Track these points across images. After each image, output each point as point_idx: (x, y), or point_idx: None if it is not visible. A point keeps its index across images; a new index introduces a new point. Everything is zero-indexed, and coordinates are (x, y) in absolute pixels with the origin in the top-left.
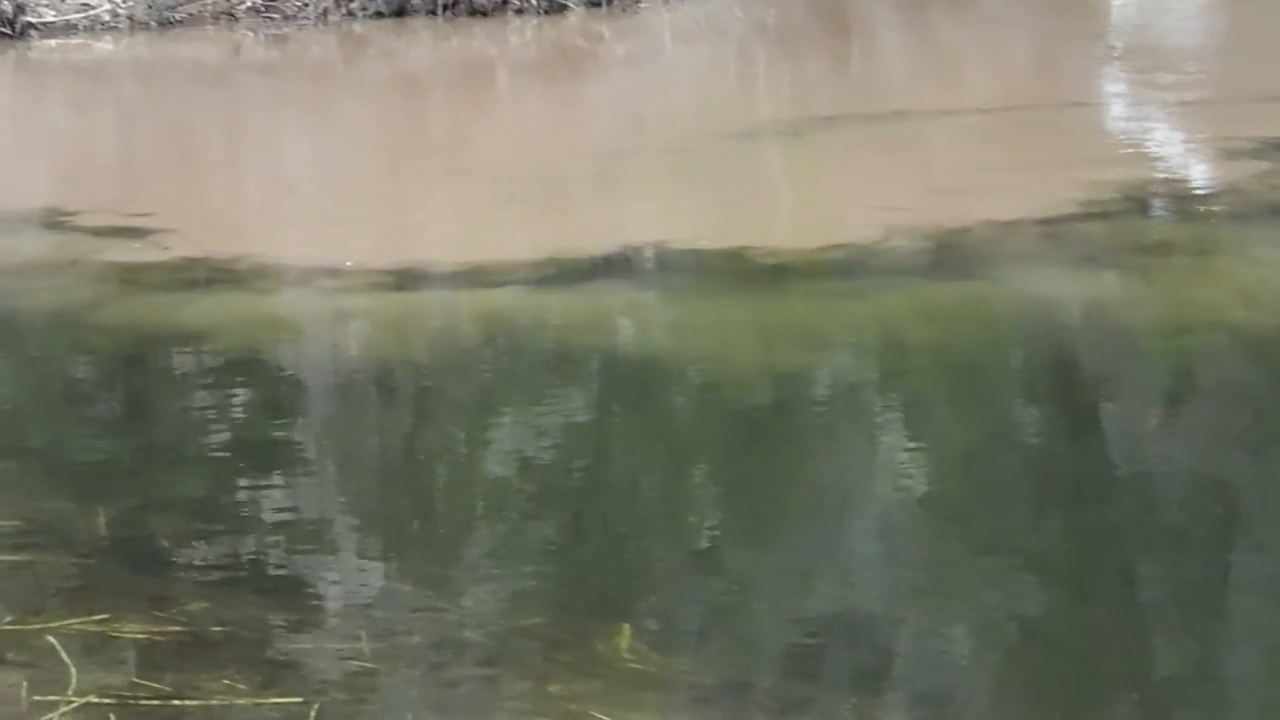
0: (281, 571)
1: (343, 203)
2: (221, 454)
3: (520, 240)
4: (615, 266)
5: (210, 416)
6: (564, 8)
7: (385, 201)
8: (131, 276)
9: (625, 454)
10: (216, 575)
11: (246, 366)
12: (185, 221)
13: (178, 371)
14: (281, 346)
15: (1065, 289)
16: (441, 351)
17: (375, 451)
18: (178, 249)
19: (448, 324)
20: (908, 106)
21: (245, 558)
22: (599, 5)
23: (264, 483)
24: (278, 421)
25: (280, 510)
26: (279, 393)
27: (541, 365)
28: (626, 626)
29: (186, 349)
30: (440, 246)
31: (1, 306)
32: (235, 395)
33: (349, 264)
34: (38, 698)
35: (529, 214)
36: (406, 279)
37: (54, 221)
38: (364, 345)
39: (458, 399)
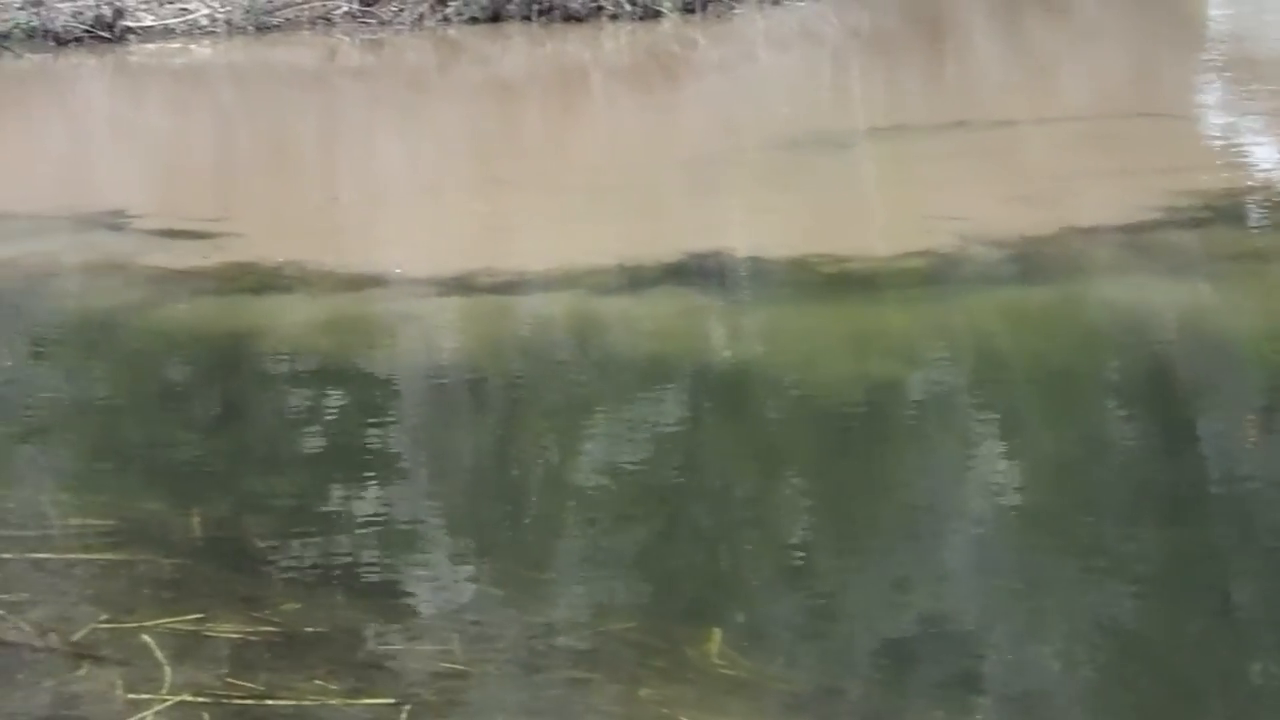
0: (374, 573)
1: (435, 208)
2: (316, 457)
3: (612, 245)
4: (707, 272)
5: (304, 420)
6: (658, 14)
7: (477, 207)
8: (225, 279)
9: (718, 460)
10: (309, 576)
11: (340, 371)
12: (276, 225)
13: (272, 375)
14: (376, 351)
15: (1159, 296)
16: (534, 356)
17: (469, 456)
18: (268, 252)
19: (540, 329)
20: (1001, 114)
21: (338, 560)
22: (693, 11)
23: (358, 486)
24: (372, 425)
25: (374, 513)
26: (373, 397)
27: (634, 371)
28: (717, 632)
29: (280, 353)
30: (532, 251)
31: (97, 307)
32: (329, 399)
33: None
34: (132, 695)
35: (621, 219)
36: (498, 284)
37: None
38: (457, 350)
39: (551, 404)
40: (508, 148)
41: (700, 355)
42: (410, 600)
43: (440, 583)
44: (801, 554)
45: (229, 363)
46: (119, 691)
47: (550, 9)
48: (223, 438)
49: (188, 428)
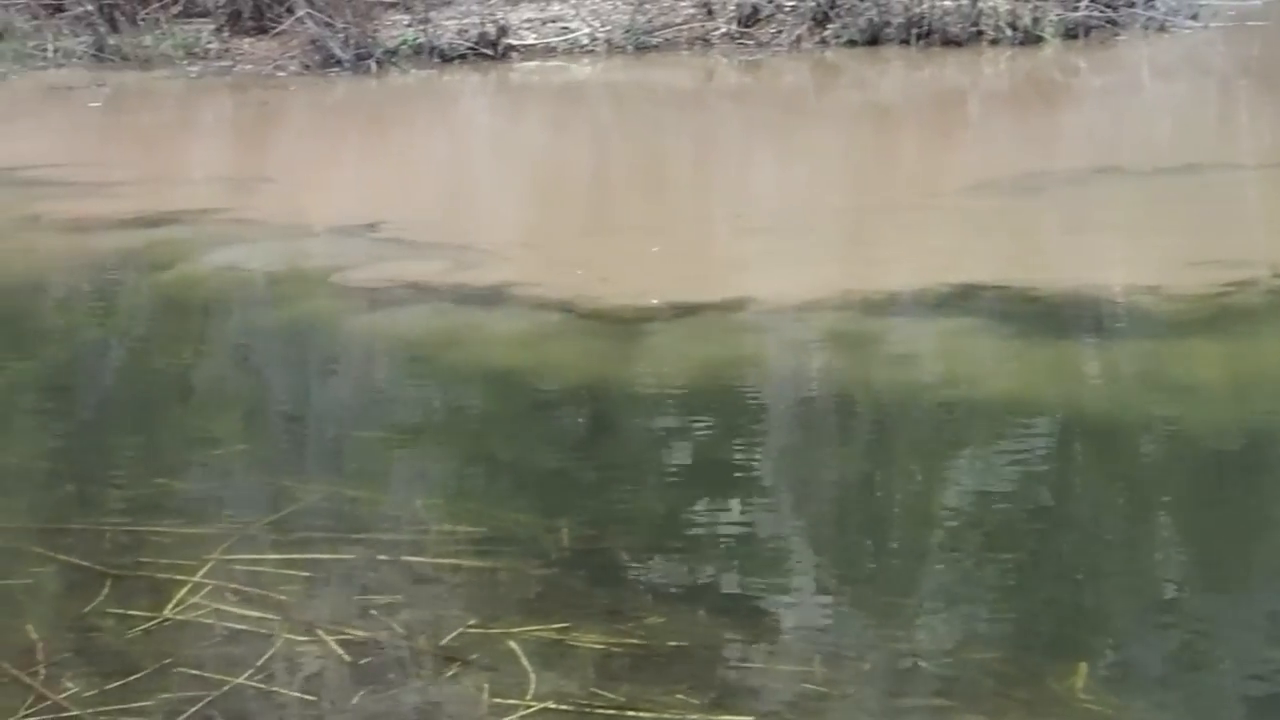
0: (736, 591)
1: (806, 229)
2: (682, 474)
3: (984, 271)
4: (1083, 306)
5: (671, 437)
6: (1039, 39)
7: (850, 231)
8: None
9: (1088, 494)
10: (673, 591)
11: (709, 391)
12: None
13: (637, 395)
14: (743, 374)
15: None
16: (902, 384)
17: (835, 479)
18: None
19: (910, 356)
20: None
21: (701, 576)
22: (1075, 37)
23: (722, 504)
24: (738, 445)
25: (737, 531)
26: (739, 417)
27: (1002, 403)
28: (1083, 666)
29: (645, 375)
30: (902, 273)
31: (464, 323)
32: (697, 418)
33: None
34: (498, 700)
35: (999, 247)
36: (868, 306)
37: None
38: (826, 373)
39: (917, 432)
40: (881, 171)
41: (1070, 389)
42: (772, 619)
43: (802, 603)
44: (1173, 591)
45: (592, 382)
46: (485, 696)
47: (929, 33)
48: (591, 453)
49: (556, 442)
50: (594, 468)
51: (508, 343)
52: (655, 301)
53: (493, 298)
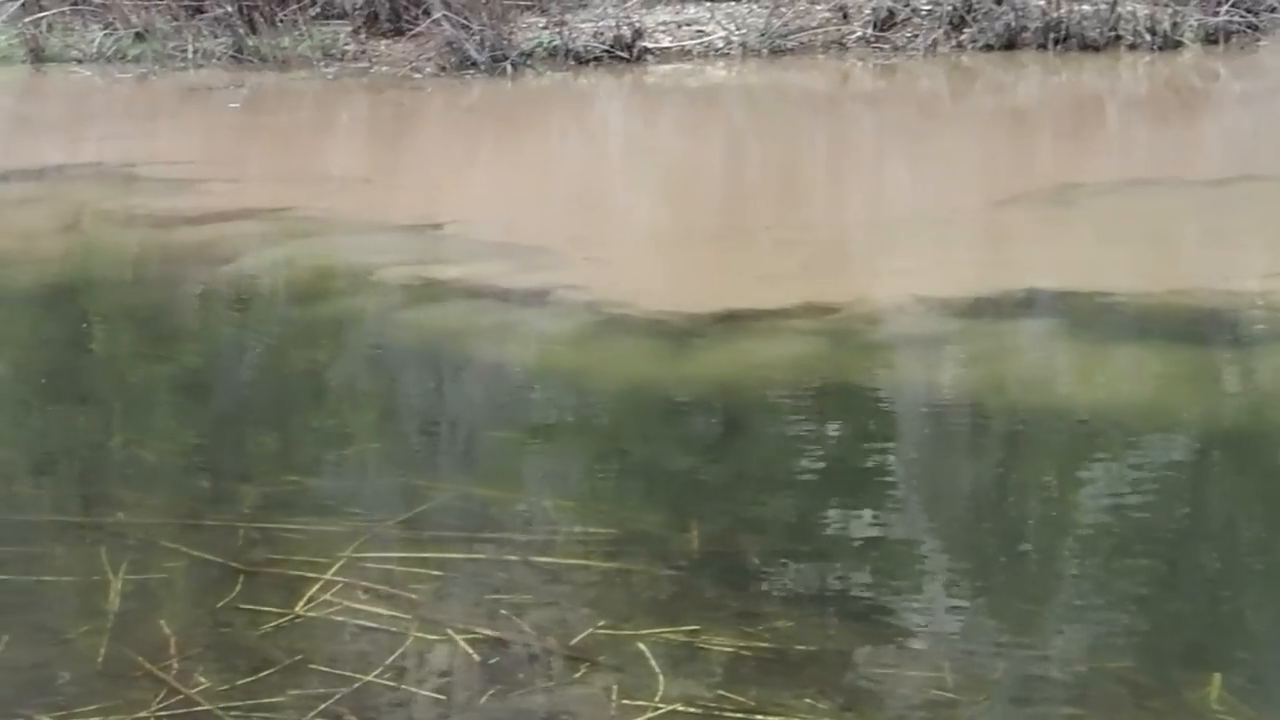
0: (867, 596)
1: (939, 234)
2: (813, 478)
3: (1120, 278)
4: (1222, 316)
5: (804, 441)
6: (1178, 44)
7: (985, 235)
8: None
9: (1227, 505)
10: (803, 595)
11: (844, 394)
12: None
13: (771, 400)
14: (875, 378)
15: None
16: (1037, 391)
17: (967, 485)
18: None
19: (1047, 361)
20: None
21: (832, 581)
22: (1215, 42)
23: (853, 508)
24: (871, 449)
25: (868, 536)
26: (873, 421)
27: (1138, 411)
28: (1218, 677)
29: (778, 377)
30: (1041, 283)
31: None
32: (830, 421)
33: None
34: (626, 701)
35: (1136, 254)
36: (1001, 310)
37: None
38: (960, 380)
39: (1051, 439)
40: (1016, 175)
41: (1210, 399)
42: (902, 625)
43: (933, 609)
44: None
45: (724, 384)
46: (613, 697)
47: (1067, 37)
48: (723, 456)
49: (688, 444)
50: (725, 471)
51: (637, 343)
52: (791, 303)
53: (619, 301)
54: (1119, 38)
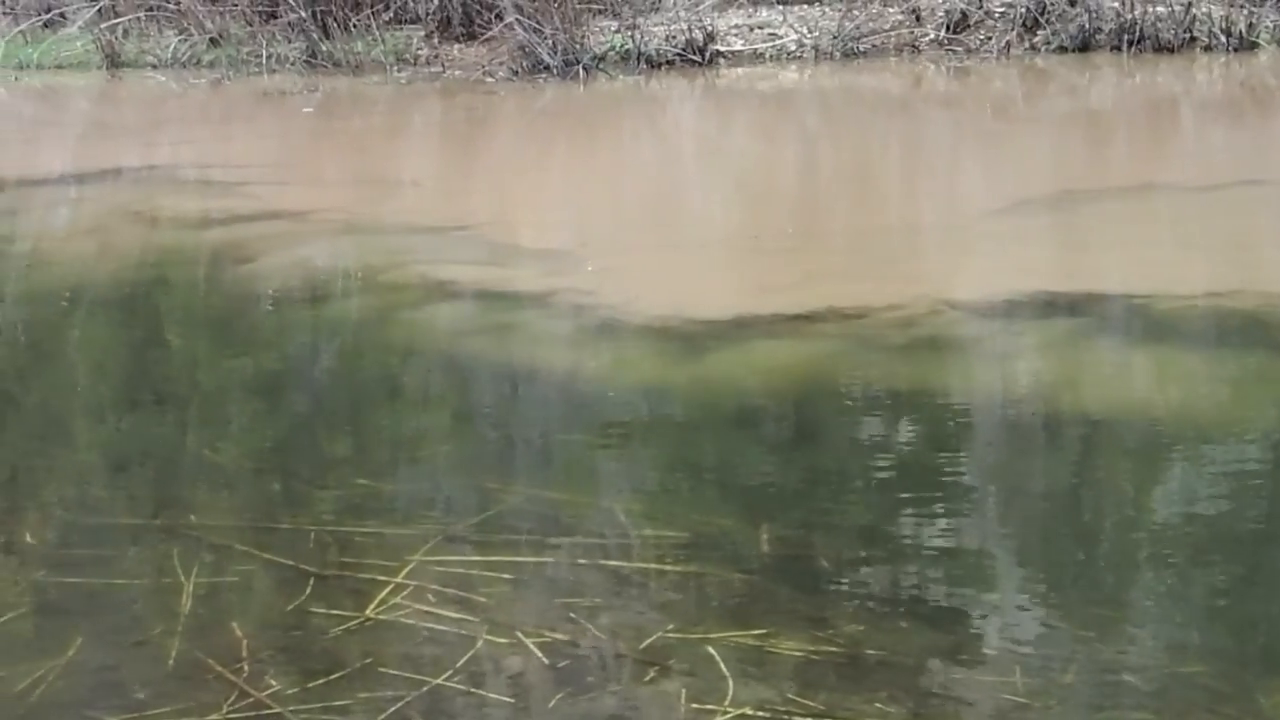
0: (939, 600)
1: (1008, 236)
2: (887, 481)
3: (1199, 281)
4: None
5: (877, 443)
6: (1254, 45)
7: (1059, 236)
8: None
9: None
10: (874, 600)
11: (915, 396)
12: (853, 252)
13: (843, 400)
14: (949, 380)
15: None
16: (1111, 393)
17: (1041, 488)
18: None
19: (1122, 364)
20: None
21: (904, 585)
22: None
23: (926, 512)
24: (944, 452)
25: (941, 540)
26: (946, 423)
27: (1217, 414)
28: None
29: (853, 380)
30: (1117, 286)
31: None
32: (902, 423)
33: (1000, 295)
34: (696, 705)
35: (1209, 257)
36: (1081, 316)
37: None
38: (1034, 383)
39: (1126, 443)
40: (1091, 176)
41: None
42: (974, 629)
43: (1005, 614)
44: None
45: (796, 387)
46: (682, 701)
47: (1141, 39)
48: (795, 458)
49: (760, 447)
50: (797, 474)
51: (710, 345)
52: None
53: (692, 304)
54: (1194, 39)
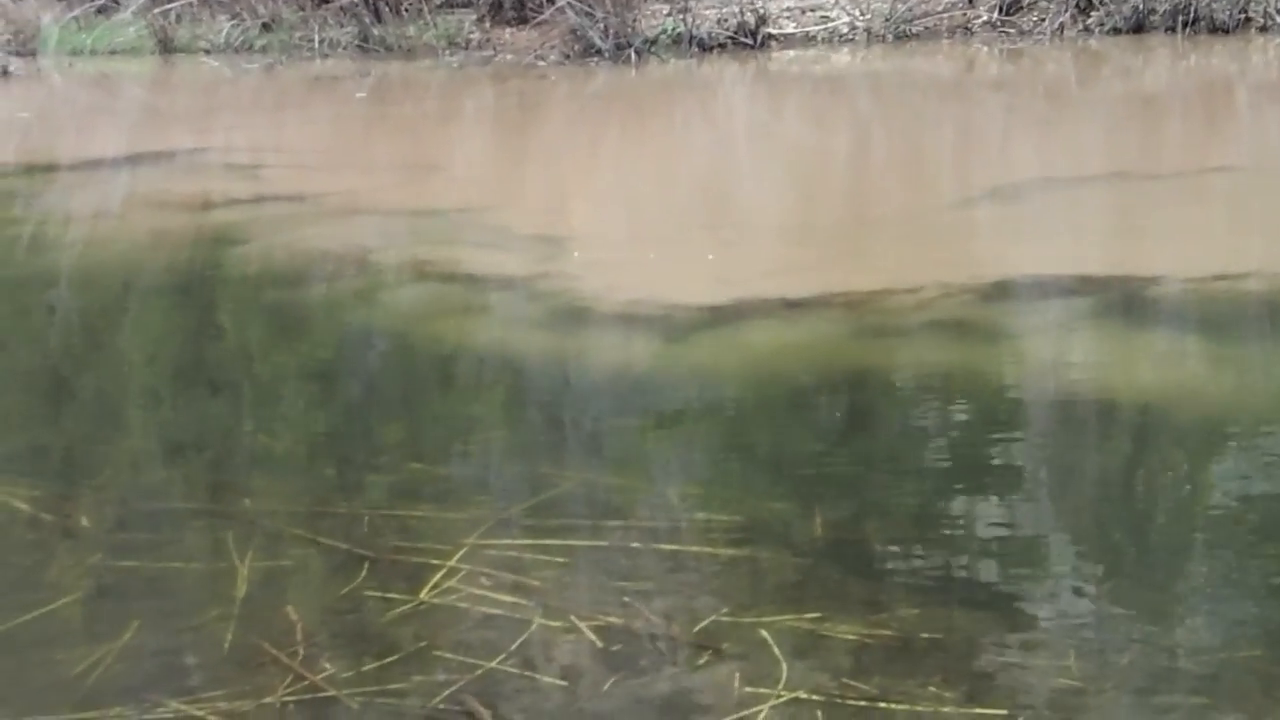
0: (993, 584)
1: (1066, 218)
2: (941, 465)
3: (1255, 263)
4: None
5: (930, 427)
6: None
7: (1112, 223)
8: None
9: None
10: (928, 583)
11: (968, 378)
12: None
13: (895, 383)
14: (1002, 363)
15: None
16: (1165, 379)
17: (1095, 473)
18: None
19: (1173, 348)
20: None
21: (957, 568)
22: None
23: (979, 496)
24: (998, 436)
25: (994, 524)
26: (1000, 407)
27: (1268, 400)
28: None
29: (902, 361)
30: (1169, 269)
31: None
32: (956, 407)
33: (1057, 275)
34: (749, 689)
35: (1266, 242)
36: (1125, 293)
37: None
38: (1086, 367)
39: (1179, 427)
40: (1144, 159)
41: None
42: (1028, 612)
43: (1059, 597)
44: None
45: (848, 371)
46: (736, 684)
47: (1195, 20)
48: (848, 444)
49: (814, 431)
50: (850, 458)
51: (763, 329)
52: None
53: (746, 288)
54: (1249, 20)
